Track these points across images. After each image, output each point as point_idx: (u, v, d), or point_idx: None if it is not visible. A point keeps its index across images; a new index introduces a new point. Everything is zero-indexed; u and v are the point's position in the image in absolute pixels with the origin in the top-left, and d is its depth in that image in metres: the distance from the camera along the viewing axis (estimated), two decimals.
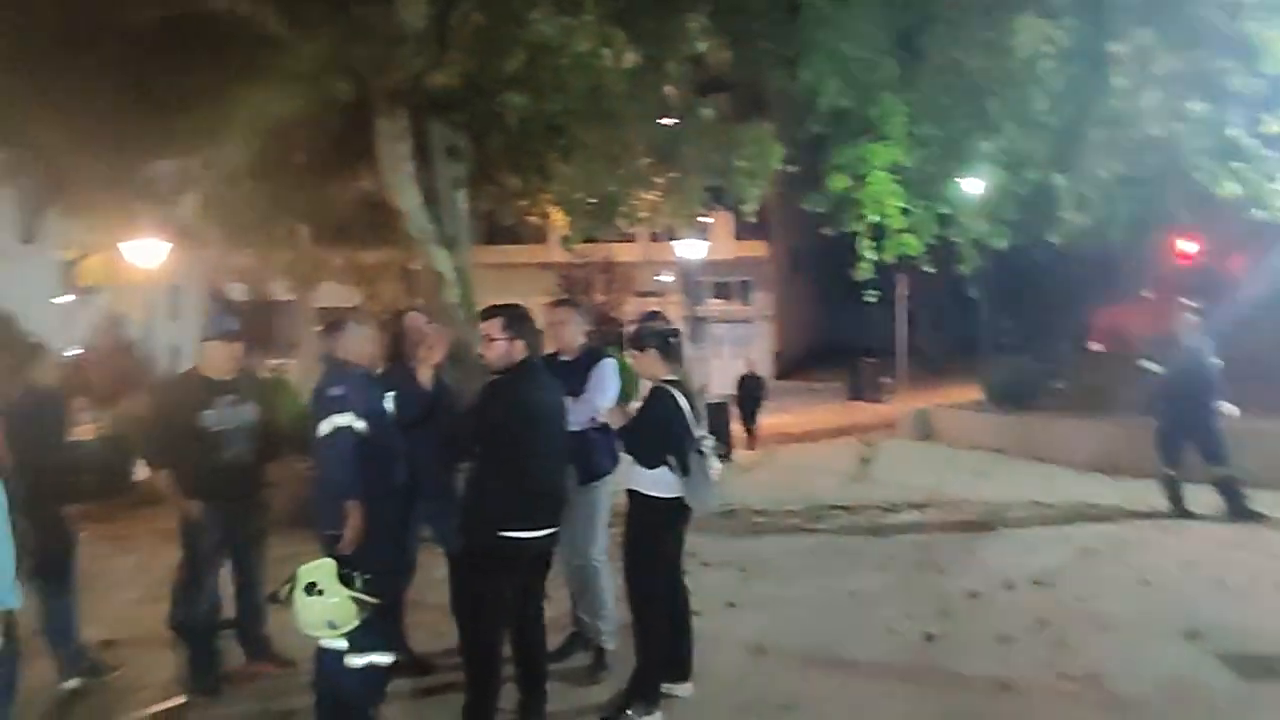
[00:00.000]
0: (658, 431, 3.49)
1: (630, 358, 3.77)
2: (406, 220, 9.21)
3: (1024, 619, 4.77)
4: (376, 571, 3.18)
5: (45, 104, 9.57)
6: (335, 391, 3.61)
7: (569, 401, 4.13)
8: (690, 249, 15.97)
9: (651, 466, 3.52)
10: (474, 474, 3.36)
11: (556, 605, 4.40)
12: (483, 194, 12.22)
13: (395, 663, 4.04)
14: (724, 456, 12.58)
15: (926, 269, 9.81)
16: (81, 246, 11.07)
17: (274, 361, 18.81)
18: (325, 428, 3.55)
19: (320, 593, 2.91)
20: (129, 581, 6.05)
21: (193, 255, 18.06)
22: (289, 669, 4.09)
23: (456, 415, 3.72)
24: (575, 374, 4.18)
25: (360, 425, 3.62)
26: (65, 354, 13.34)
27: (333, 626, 2.95)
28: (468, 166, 10.47)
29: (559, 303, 4.44)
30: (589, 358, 4.21)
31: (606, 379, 4.10)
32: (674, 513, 3.58)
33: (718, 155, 10.87)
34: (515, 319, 3.40)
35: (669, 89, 9.27)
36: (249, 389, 4.17)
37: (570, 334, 4.27)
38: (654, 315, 3.83)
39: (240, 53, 9.02)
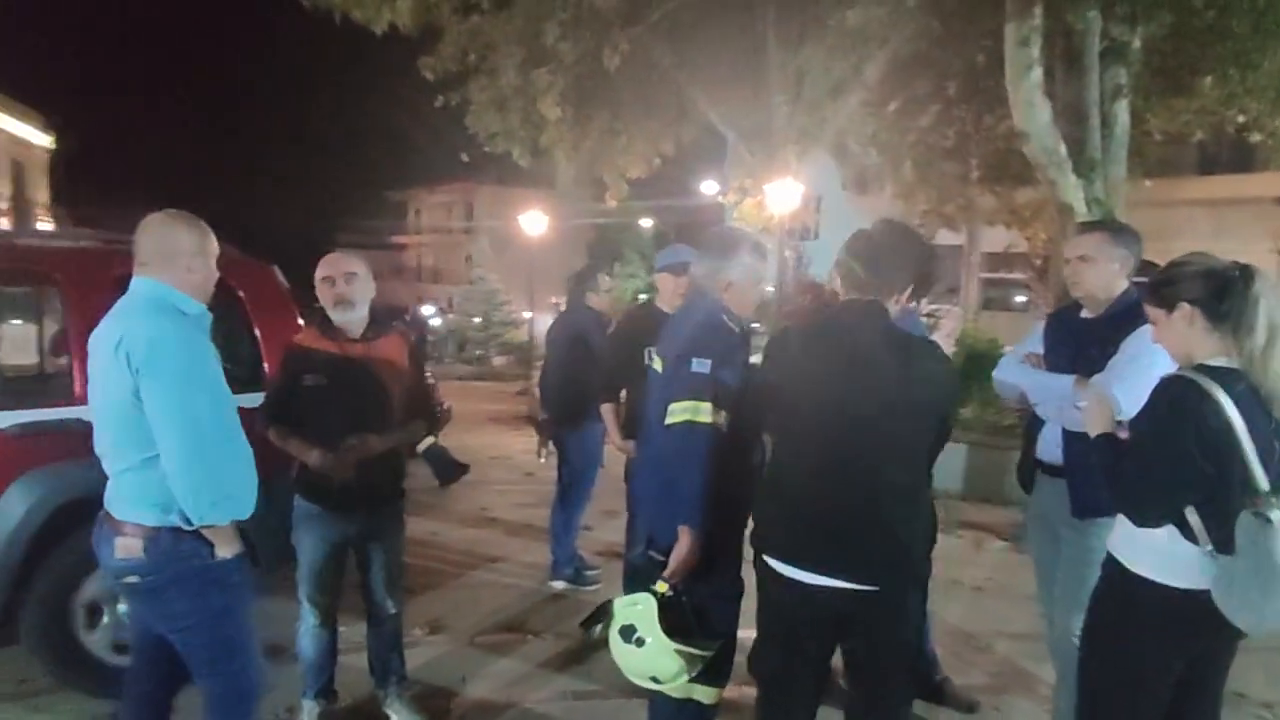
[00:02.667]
0: (1166, 463, 1.87)
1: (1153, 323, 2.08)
2: (1029, 142, 7.61)
3: None
4: (719, 601, 2.42)
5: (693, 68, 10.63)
6: (700, 367, 2.32)
7: (1054, 383, 2.64)
8: None
9: (1147, 522, 1.93)
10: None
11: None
12: (1165, 107, 9.48)
13: None
14: None
15: None
16: (739, 192, 12.23)
17: (930, 306, 18.52)
18: (677, 413, 2.33)
19: (640, 642, 2.27)
20: None
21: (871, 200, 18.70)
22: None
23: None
24: (1095, 340, 2.65)
25: (721, 419, 2.34)
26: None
27: (656, 681, 2.32)
28: (1132, 70, 8.15)
29: (1088, 227, 2.86)
30: (1123, 317, 2.60)
31: (1141, 356, 2.45)
32: (1186, 618, 1.92)
33: None
34: (861, 245, 2.19)
35: None
36: None
37: (1096, 276, 2.70)
38: None
39: None
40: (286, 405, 2.91)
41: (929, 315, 16.84)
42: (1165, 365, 2.42)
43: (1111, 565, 2.04)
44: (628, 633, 2.27)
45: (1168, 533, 1.92)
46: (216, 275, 2.32)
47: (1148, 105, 9.02)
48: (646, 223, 28.10)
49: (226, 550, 2.14)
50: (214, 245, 2.29)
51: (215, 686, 2.20)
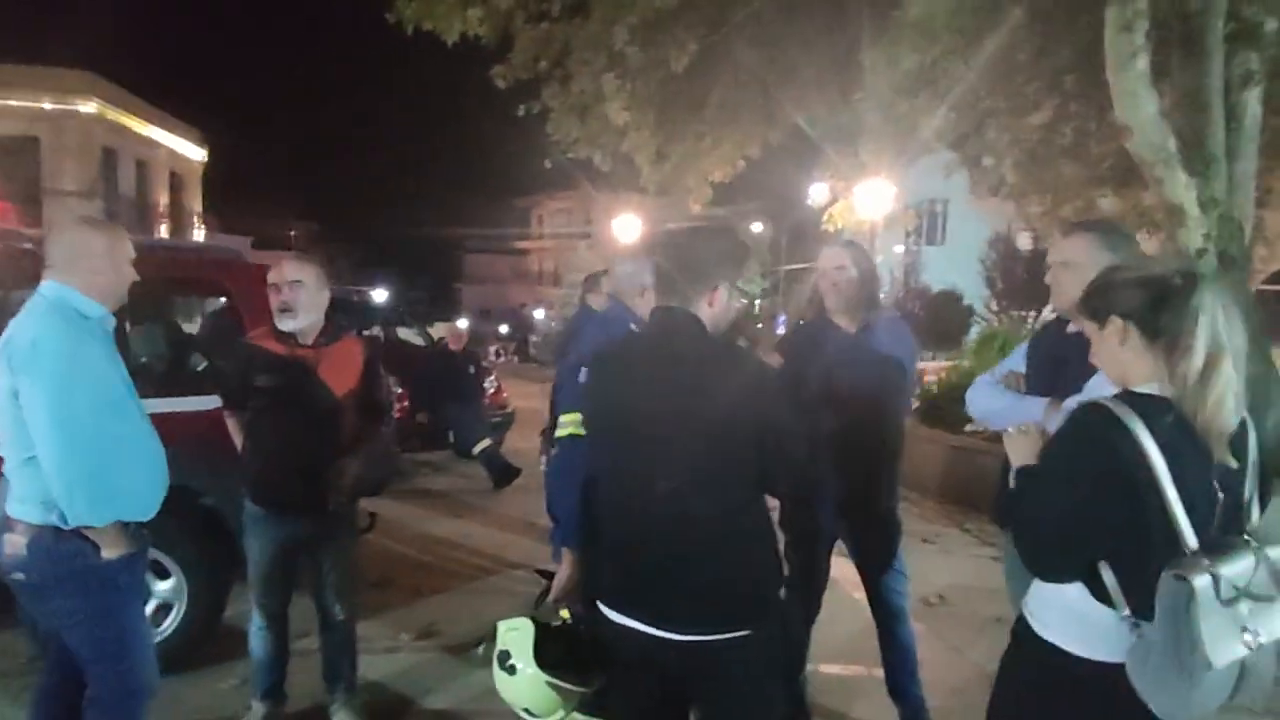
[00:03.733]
0: (1067, 505, 1.56)
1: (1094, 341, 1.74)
2: (1132, 137, 6.89)
3: None
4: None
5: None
6: (585, 376, 2.17)
7: (1026, 407, 2.31)
8: None
9: (1048, 575, 1.63)
10: None
11: None
12: None
13: None
14: None
15: None
16: (831, 193, 11.77)
17: (1052, 314, 17.32)
18: (564, 426, 2.27)
19: (512, 670, 2.11)
20: None
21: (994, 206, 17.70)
22: None
23: None
24: (1076, 357, 2.30)
25: None
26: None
27: (530, 713, 2.14)
28: (1266, 54, 7.24)
29: (1074, 229, 2.51)
30: None
31: None
32: (1101, 699, 1.58)
33: None
34: (663, 246, 1.96)
35: None
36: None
37: (1080, 284, 2.34)
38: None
39: None
40: (241, 400, 2.96)
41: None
42: None
43: (1021, 627, 1.72)
44: (503, 658, 2.13)
45: (1079, 592, 1.60)
46: (130, 278, 2.34)
47: None
48: (757, 227, 27.71)
49: (111, 551, 2.15)
50: (126, 249, 2.32)
51: (102, 683, 2.22)
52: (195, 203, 27.48)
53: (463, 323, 8.91)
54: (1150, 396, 1.55)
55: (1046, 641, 1.64)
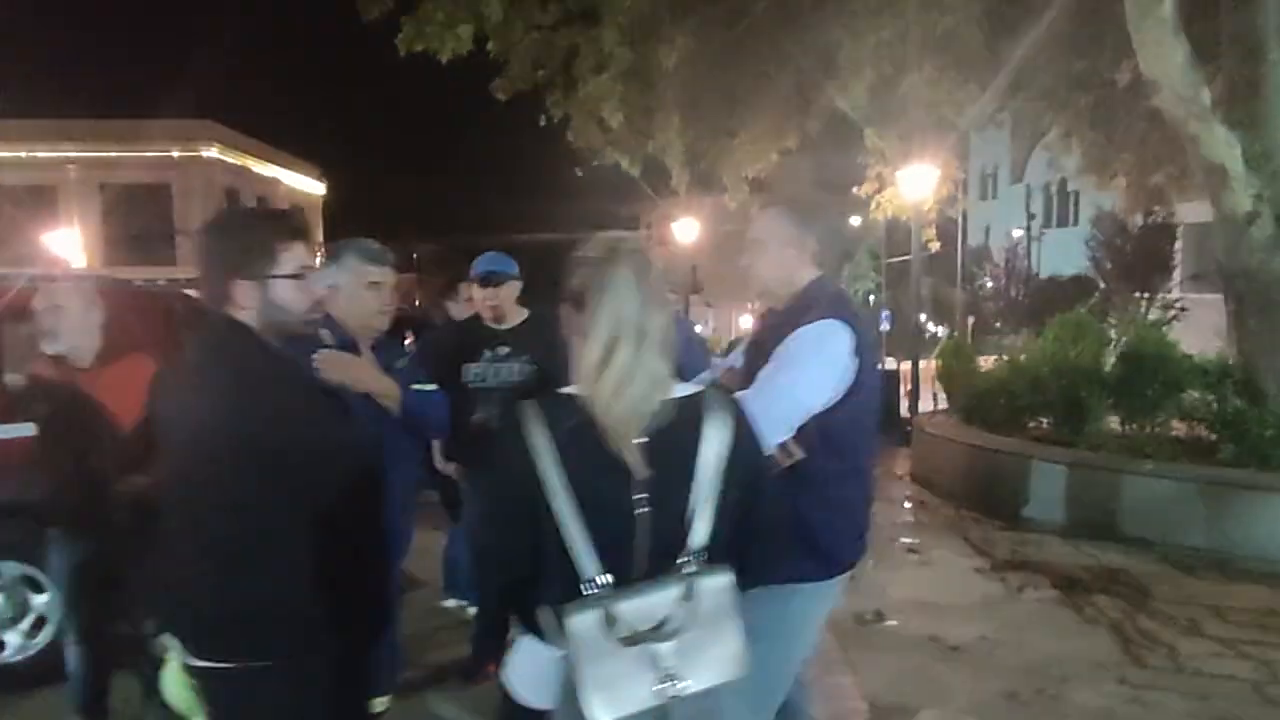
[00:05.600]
0: (487, 523, 1.33)
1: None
2: (1159, 92, 6.09)
3: None
4: None
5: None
6: None
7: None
8: None
9: (492, 601, 1.40)
10: None
11: None
12: None
13: None
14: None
15: None
16: (877, 180, 11.04)
17: (1170, 295, 15.60)
18: None
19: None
20: None
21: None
22: None
23: None
24: (771, 346, 2.02)
25: None
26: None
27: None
28: None
29: (767, 204, 2.18)
30: (797, 315, 1.97)
31: (786, 367, 1.88)
32: None
33: None
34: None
35: None
36: (530, 342, 3.41)
37: (768, 264, 2.07)
38: None
39: None
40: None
41: (1167, 307, 14.29)
42: (816, 381, 1.83)
43: (502, 677, 1.48)
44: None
45: (529, 643, 1.35)
46: None
47: None
48: (856, 220, 26.70)
49: None
50: None
51: None
52: (317, 233, 29.49)
53: None
54: (566, 396, 1.30)
55: (508, 690, 1.41)
